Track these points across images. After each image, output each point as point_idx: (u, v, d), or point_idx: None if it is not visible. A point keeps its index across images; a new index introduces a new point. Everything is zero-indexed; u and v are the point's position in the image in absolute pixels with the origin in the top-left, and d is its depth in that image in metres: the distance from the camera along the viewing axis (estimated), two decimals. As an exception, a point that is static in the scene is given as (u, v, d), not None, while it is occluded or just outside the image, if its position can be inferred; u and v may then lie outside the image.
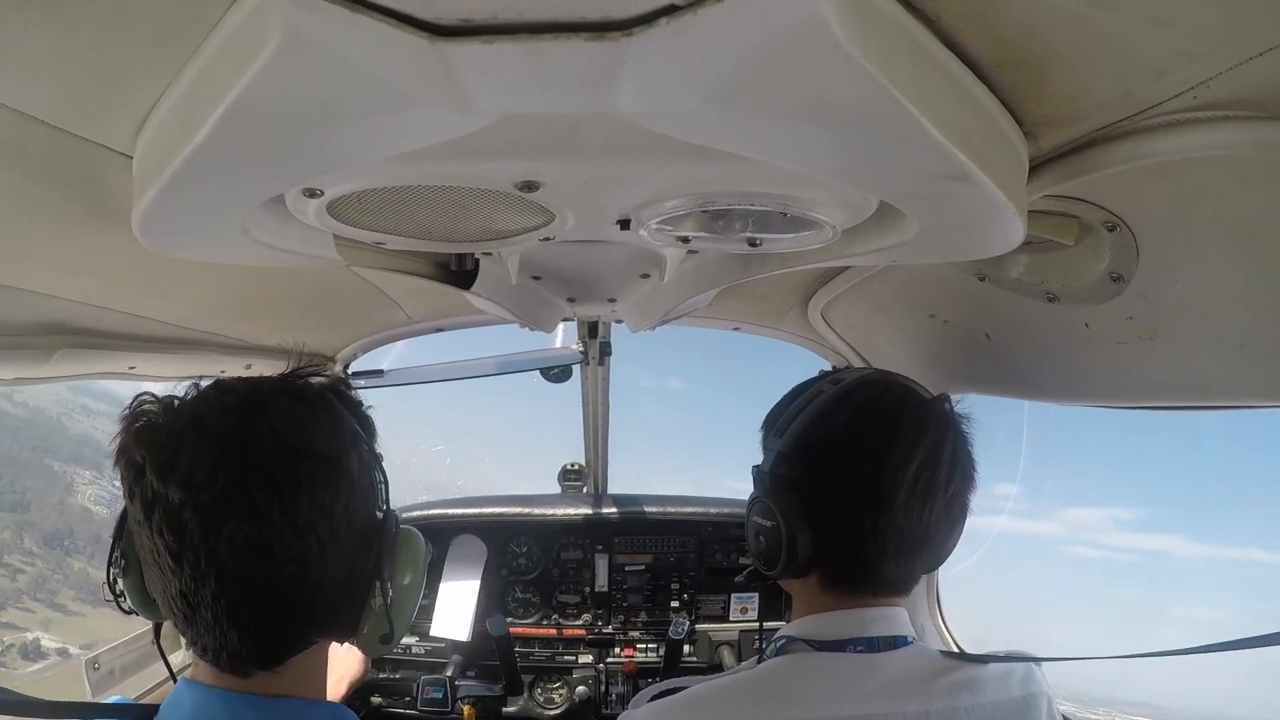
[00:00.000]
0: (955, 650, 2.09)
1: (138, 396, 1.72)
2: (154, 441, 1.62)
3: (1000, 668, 2.03)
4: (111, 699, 2.03)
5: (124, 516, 1.78)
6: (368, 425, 1.90)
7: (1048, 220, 1.92)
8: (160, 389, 1.72)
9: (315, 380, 1.85)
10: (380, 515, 1.87)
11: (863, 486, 1.99)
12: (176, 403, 1.69)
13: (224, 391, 1.72)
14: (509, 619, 4.44)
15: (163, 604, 1.73)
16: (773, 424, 2.22)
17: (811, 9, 0.94)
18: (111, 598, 1.87)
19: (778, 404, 2.28)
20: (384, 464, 1.90)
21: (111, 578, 1.84)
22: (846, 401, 2.10)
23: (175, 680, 1.85)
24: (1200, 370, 2.08)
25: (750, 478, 2.25)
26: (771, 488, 2.11)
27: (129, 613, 1.87)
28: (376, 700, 4.51)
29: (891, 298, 3.13)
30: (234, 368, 3.47)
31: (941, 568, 2.38)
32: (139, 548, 1.71)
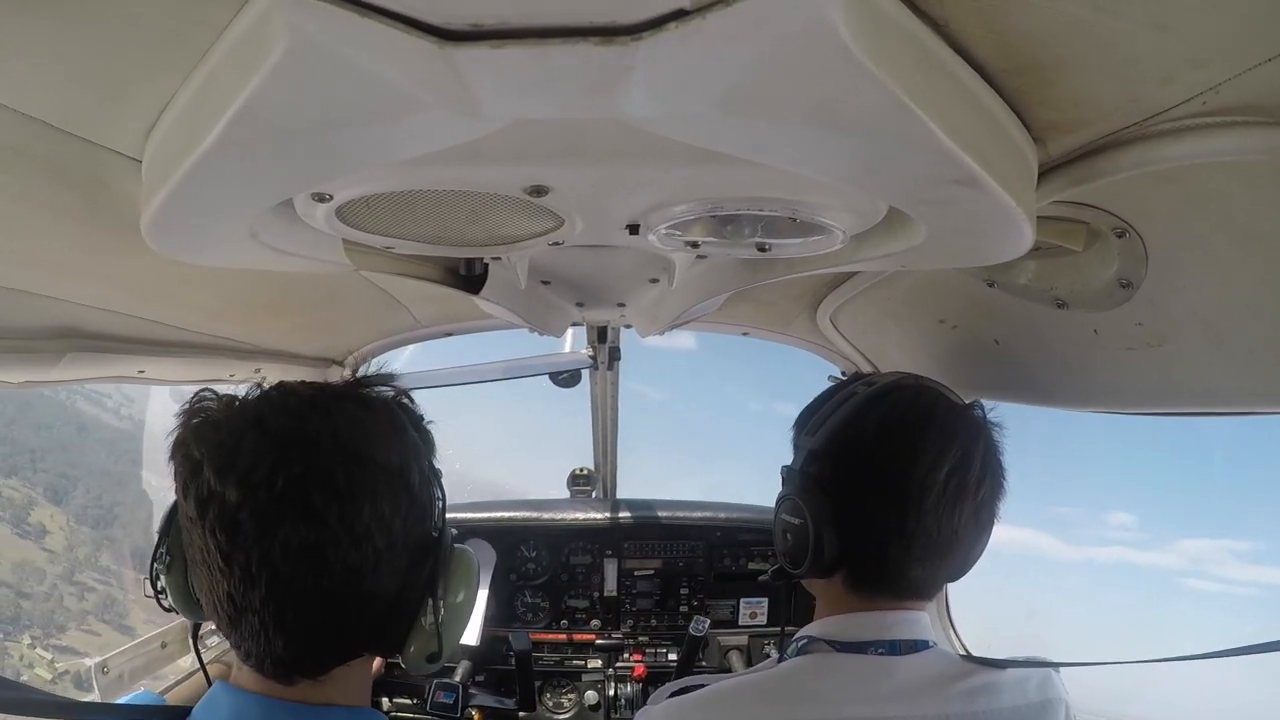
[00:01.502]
0: (973, 655, 2.08)
1: (198, 393, 1.70)
2: (213, 438, 1.59)
3: (1018, 673, 2.03)
4: (137, 695, 2.02)
5: (172, 512, 1.76)
6: (428, 439, 1.86)
7: (1056, 226, 1.92)
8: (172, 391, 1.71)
9: (380, 390, 1.84)
10: (436, 532, 1.84)
11: (892, 488, 2.00)
12: (238, 401, 1.68)
13: (287, 393, 1.70)
14: (517, 624, 4.44)
15: (208, 606, 1.70)
16: (804, 424, 2.24)
17: (820, 14, 0.94)
18: (152, 594, 1.86)
19: (810, 404, 2.30)
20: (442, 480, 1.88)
21: (154, 574, 1.83)
22: (879, 404, 2.11)
23: (210, 681, 1.83)
24: (1209, 376, 2.08)
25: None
26: (801, 486, 2.12)
27: (168, 610, 1.86)
28: (386, 703, 4.51)
29: (900, 303, 3.13)
30: (243, 371, 3.47)
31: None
32: (188, 546, 1.69)
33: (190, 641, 2.06)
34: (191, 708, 1.77)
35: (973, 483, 2.00)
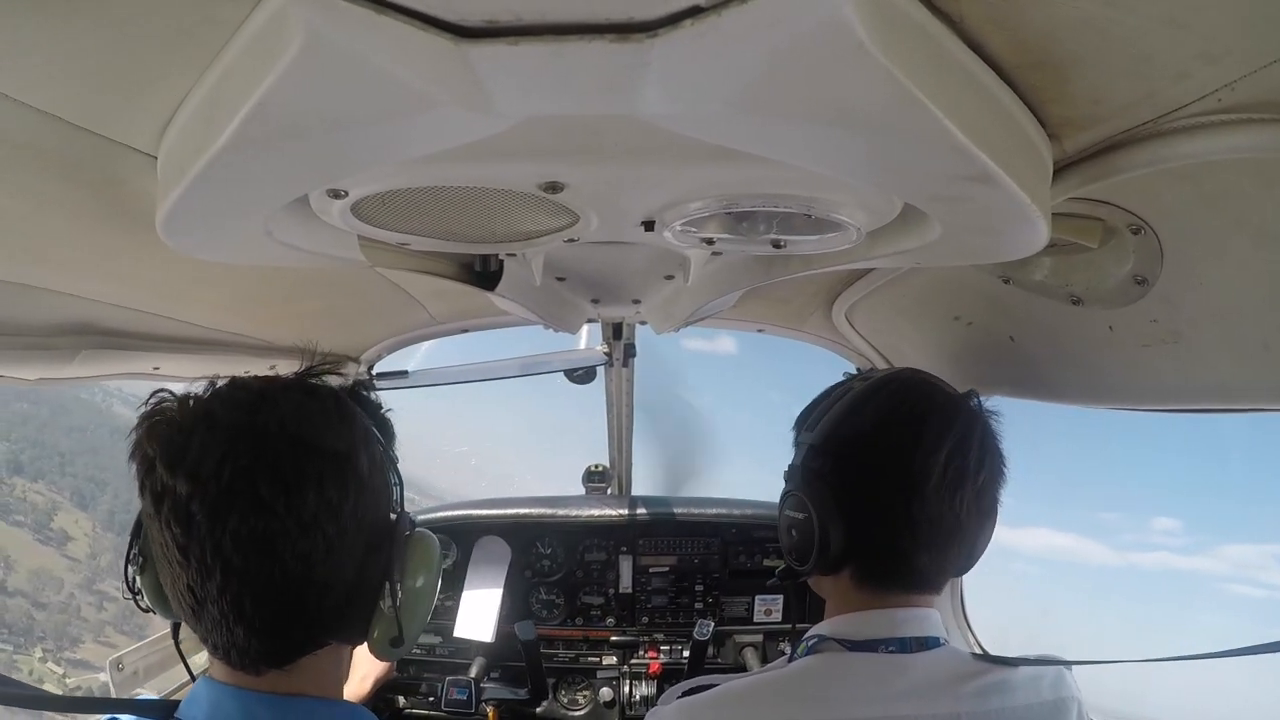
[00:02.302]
0: (986, 653, 2.08)
1: (155, 393, 1.72)
2: (165, 435, 1.62)
3: (1031, 671, 2.03)
4: (139, 696, 2.04)
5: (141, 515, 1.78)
6: (385, 427, 1.90)
7: (1071, 223, 1.91)
8: (182, 389, 1.73)
9: (332, 380, 1.86)
10: (393, 517, 1.86)
11: (893, 475, 2.00)
12: (192, 400, 1.70)
13: (237, 388, 1.73)
14: (532, 620, 4.45)
15: (172, 600, 1.73)
16: (804, 421, 2.25)
17: (835, 12, 0.94)
18: (129, 595, 1.88)
19: (809, 404, 2.30)
20: (399, 466, 1.90)
21: (130, 576, 1.85)
22: (875, 396, 2.13)
23: (194, 679, 1.86)
24: (1223, 373, 2.07)
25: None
26: (804, 480, 2.12)
27: (146, 610, 1.87)
28: (400, 701, 4.52)
29: (915, 300, 3.13)
30: (258, 368, 3.47)
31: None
32: (151, 542, 1.72)
33: (173, 640, 2.06)
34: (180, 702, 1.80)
35: (972, 467, 2.01)
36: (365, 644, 1.85)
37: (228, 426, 1.62)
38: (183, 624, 1.88)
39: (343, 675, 1.97)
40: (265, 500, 1.58)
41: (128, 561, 1.85)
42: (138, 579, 1.84)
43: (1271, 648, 1.60)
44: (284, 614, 1.68)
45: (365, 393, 1.91)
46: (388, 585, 1.78)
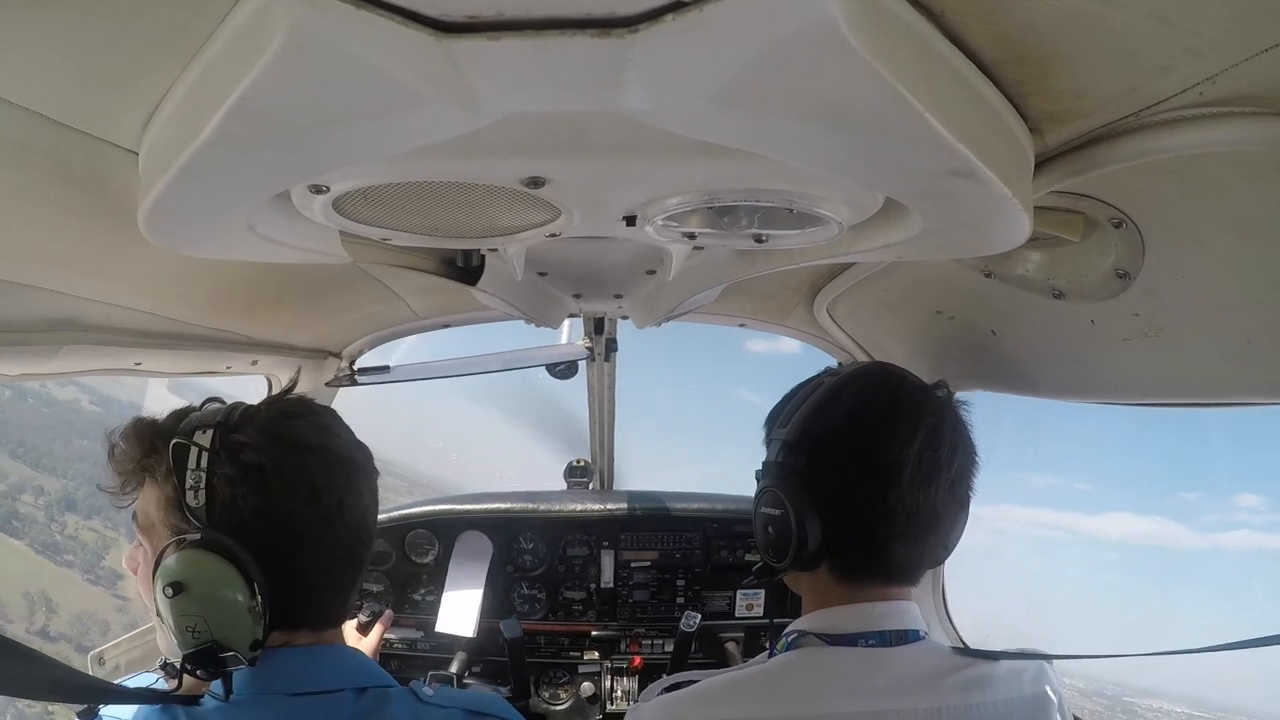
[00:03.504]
0: (966, 647, 2.09)
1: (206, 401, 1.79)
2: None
3: (1012, 665, 2.04)
4: (142, 678, 2.03)
5: None
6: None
7: (1054, 216, 1.92)
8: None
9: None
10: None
11: (867, 468, 2.01)
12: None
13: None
14: (513, 616, 4.45)
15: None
16: (776, 418, 2.25)
17: (819, 7, 0.94)
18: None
19: (780, 401, 2.30)
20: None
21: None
22: (847, 389, 2.14)
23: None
24: (1206, 367, 2.08)
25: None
26: (779, 476, 2.12)
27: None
28: None
29: (897, 294, 3.13)
30: (240, 364, 3.47)
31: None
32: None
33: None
34: (202, 695, 1.81)
35: (945, 457, 2.02)
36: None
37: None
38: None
39: None
40: None
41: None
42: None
43: (1261, 642, 1.61)
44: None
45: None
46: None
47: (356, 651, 2.01)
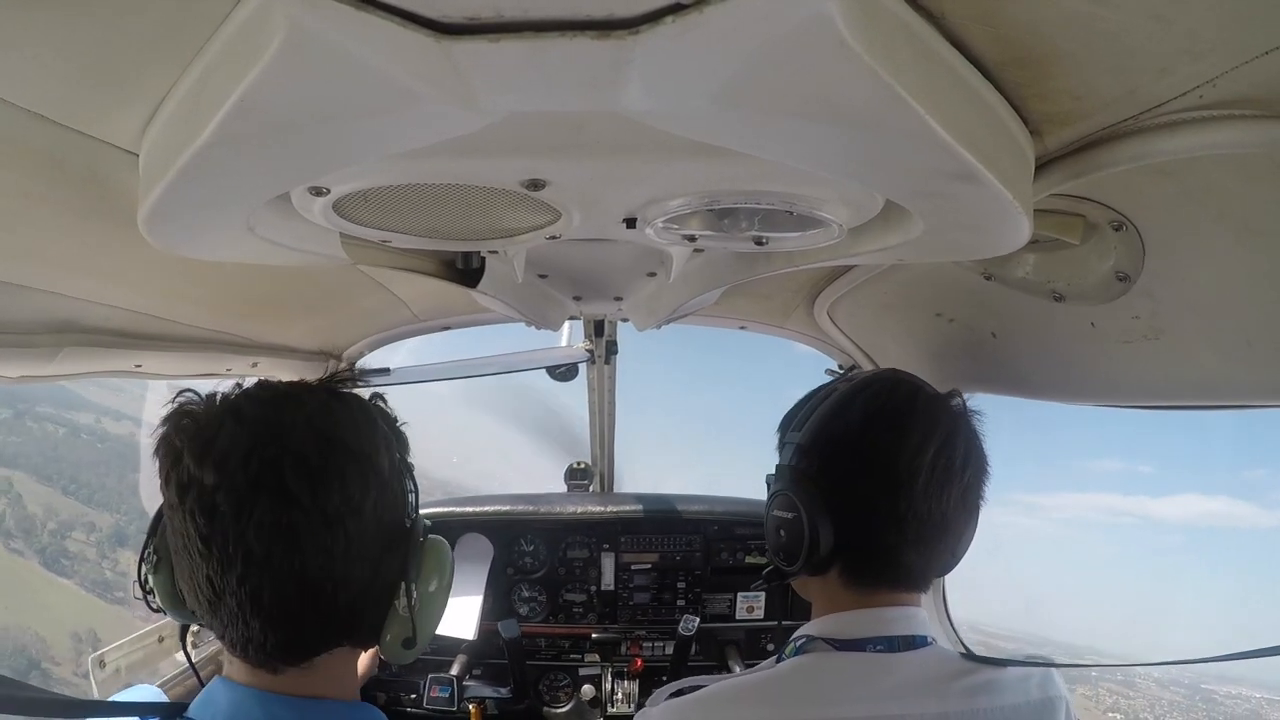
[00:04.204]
0: (973, 653, 2.09)
1: (182, 391, 1.75)
2: (192, 428, 1.65)
3: (1019, 671, 2.04)
4: (137, 689, 2.02)
5: (160, 513, 1.81)
6: (400, 438, 1.91)
7: (1054, 219, 1.92)
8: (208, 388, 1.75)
9: (354, 388, 1.88)
10: (409, 522, 1.87)
11: (880, 473, 2.01)
12: (218, 397, 1.73)
13: (263, 387, 1.77)
14: (515, 619, 4.45)
15: (189, 593, 1.74)
16: (790, 422, 2.26)
17: (818, 8, 0.94)
18: (140, 594, 1.89)
19: (794, 405, 2.31)
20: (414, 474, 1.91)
21: (143, 574, 1.86)
22: (861, 395, 2.14)
23: (202, 682, 1.86)
24: (1206, 369, 2.08)
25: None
26: (792, 480, 2.12)
27: (157, 610, 1.89)
28: (382, 698, 4.51)
29: (898, 296, 3.14)
30: (240, 366, 3.48)
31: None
32: (171, 535, 1.73)
33: (180, 642, 2.07)
34: (188, 704, 1.80)
35: (958, 465, 2.02)
36: (377, 645, 1.85)
37: (254, 420, 1.66)
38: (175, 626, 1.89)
39: (356, 679, 1.99)
40: (291, 492, 1.61)
41: (141, 559, 1.86)
42: (150, 578, 1.86)
43: (1266, 652, 1.61)
44: (301, 608, 1.69)
45: (383, 404, 1.93)
46: (404, 586, 1.80)
47: None
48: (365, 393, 1.91)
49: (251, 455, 1.60)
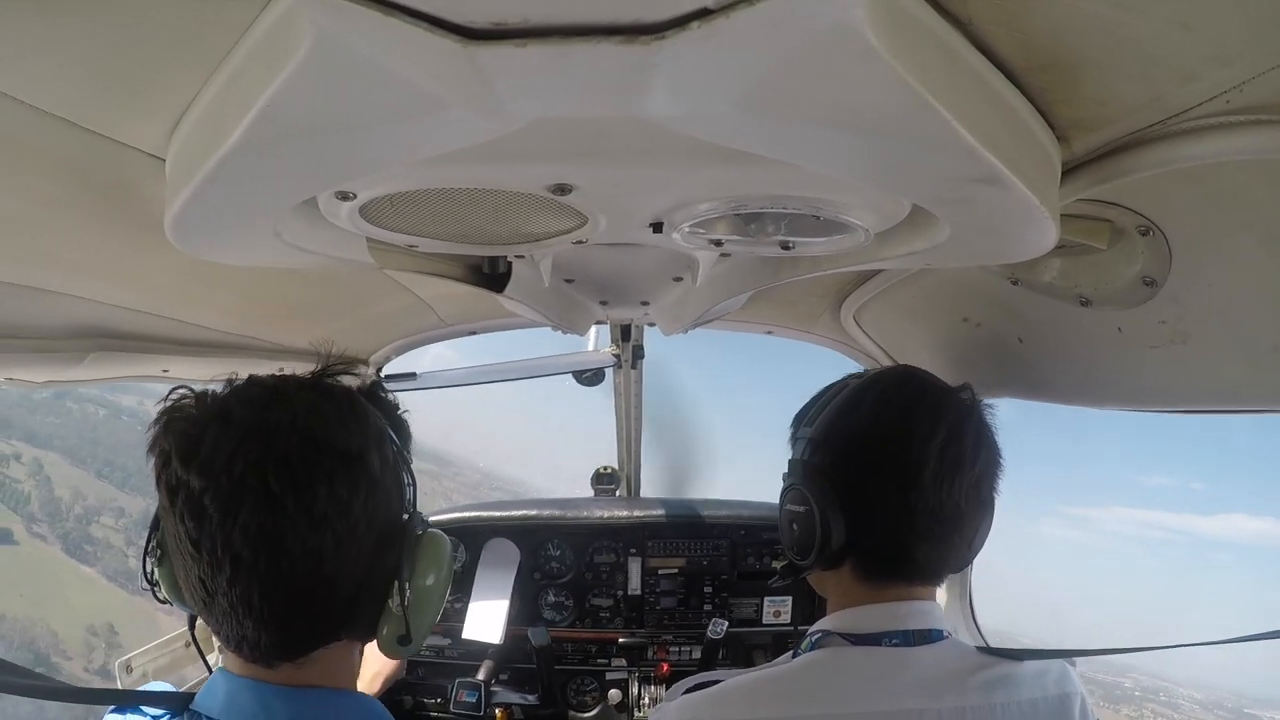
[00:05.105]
0: (990, 647, 2.09)
1: (175, 389, 1.75)
2: (180, 430, 1.65)
3: (1036, 665, 2.04)
4: (153, 685, 2.05)
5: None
6: (401, 428, 1.91)
7: (1080, 224, 1.92)
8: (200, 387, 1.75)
9: (347, 380, 1.87)
10: (405, 517, 1.88)
11: (890, 467, 2.03)
12: (209, 397, 1.72)
13: (251, 385, 1.76)
14: (541, 623, 4.45)
15: (186, 592, 1.76)
16: (803, 417, 2.28)
17: (845, 14, 0.94)
18: (147, 586, 1.89)
19: (808, 401, 2.33)
20: (412, 467, 1.91)
21: (148, 567, 1.87)
22: (871, 389, 2.17)
23: (211, 672, 1.89)
24: (1232, 374, 2.07)
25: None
26: (804, 474, 2.14)
27: (163, 602, 1.90)
28: (409, 702, 4.53)
29: (924, 301, 3.13)
30: (267, 370, 3.43)
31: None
32: (166, 534, 1.74)
33: (189, 632, 2.09)
34: (196, 695, 1.83)
35: (968, 455, 2.03)
36: (375, 641, 1.86)
37: (240, 423, 1.65)
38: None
39: (355, 669, 1.99)
40: (275, 495, 1.60)
41: (146, 553, 1.87)
42: (155, 570, 1.86)
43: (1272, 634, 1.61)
44: (291, 608, 1.70)
45: (381, 393, 1.93)
46: (397, 583, 1.79)
47: None
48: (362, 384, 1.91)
49: (236, 458, 1.60)
